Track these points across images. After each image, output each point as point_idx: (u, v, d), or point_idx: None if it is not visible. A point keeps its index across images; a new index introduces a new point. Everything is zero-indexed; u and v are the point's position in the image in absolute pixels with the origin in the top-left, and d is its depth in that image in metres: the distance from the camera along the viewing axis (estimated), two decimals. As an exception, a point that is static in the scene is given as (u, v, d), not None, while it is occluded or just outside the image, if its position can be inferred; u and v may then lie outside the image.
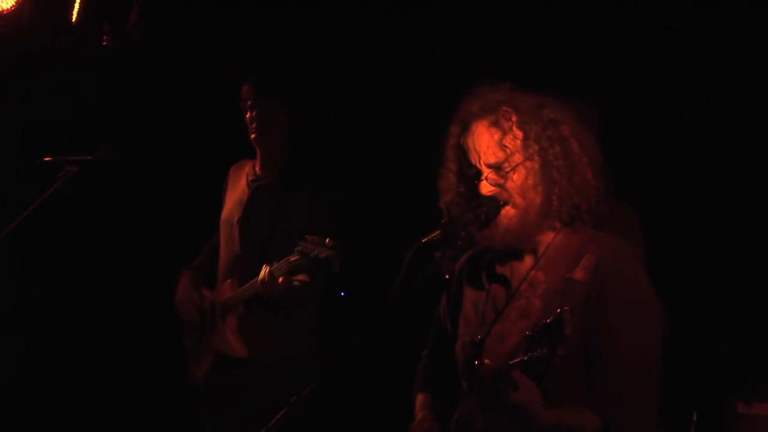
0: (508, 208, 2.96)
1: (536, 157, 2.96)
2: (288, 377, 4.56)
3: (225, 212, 5.10)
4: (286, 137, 4.94)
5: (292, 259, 4.46)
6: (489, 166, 2.98)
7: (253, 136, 4.97)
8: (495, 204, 2.94)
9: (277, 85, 4.98)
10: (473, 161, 3.00)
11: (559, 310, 2.64)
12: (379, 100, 5.37)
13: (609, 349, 2.81)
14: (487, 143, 2.97)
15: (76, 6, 4.85)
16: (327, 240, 4.35)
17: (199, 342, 5.02)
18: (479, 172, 2.98)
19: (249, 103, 4.95)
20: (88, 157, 4.29)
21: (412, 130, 4.89)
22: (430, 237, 2.86)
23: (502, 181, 2.96)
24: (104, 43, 5.07)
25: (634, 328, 2.83)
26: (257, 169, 5.07)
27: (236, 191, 5.11)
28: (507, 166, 2.95)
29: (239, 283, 4.82)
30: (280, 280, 4.49)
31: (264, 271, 4.55)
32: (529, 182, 2.94)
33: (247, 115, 4.98)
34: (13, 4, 4.73)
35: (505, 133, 2.96)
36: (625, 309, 2.85)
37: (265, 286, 4.59)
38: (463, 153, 3.03)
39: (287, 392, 3.01)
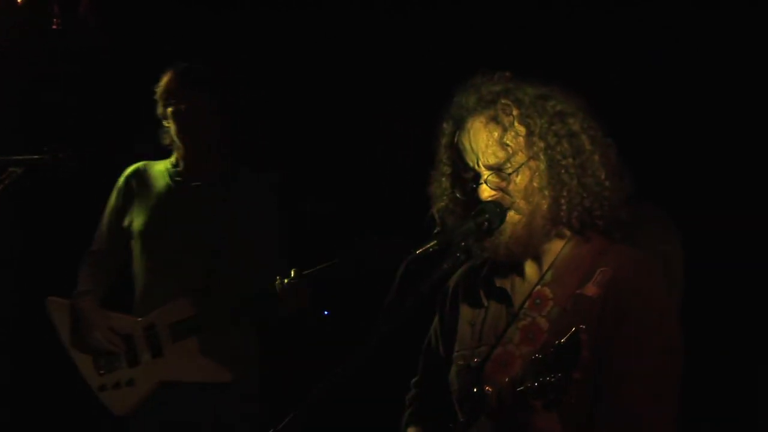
0: (511, 214, 2.76)
1: (542, 156, 2.75)
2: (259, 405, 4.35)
3: (139, 221, 4.76)
4: (218, 133, 4.71)
5: (339, 266, 4.30)
6: (488, 167, 2.77)
7: (179, 132, 4.69)
8: (498, 210, 2.75)
9: (209, 77, 4.73)
10: (470, 163, 2.79)
11: (574, 329, 2.47)
12: (357, 96, 5.27)
13: (623, 374, 2.66)
14: (485, 142, 2.77)
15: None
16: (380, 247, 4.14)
17: (118, 372, 4.69)
18: (477, 175, 2.77)
19: (175, 95, 4.67)
20: (35, 157, 4.13)
21: (399, 129, 4.82)
22: (424, 248, 2.66)
23: (503, 184, 2.76)
24: (54, 27, 4.93)
25: (652, 353, 2.67)
26: (180, 168, 4.76)
27: (151, 196, 4.78)
28: (509, 167, 2.75)
29: (193, 299, 4.56)
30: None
31: (284, 279, 4.32)
32: (534, 184, 2.75)
33: (170, 110, 4.68)
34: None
35: (505, 130, 2.76)
36: (643, 332, 2.68)
37: (291, 296, 4.33)
38: (458, 153, 2.82)
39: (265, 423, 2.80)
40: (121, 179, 4.89)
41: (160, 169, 4.79)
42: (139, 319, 4.67)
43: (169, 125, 4.69)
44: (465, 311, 2.97)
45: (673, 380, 2.67)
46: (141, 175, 4.79)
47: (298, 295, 4.34)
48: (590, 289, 2.75)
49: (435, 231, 2.82)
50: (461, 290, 3.02)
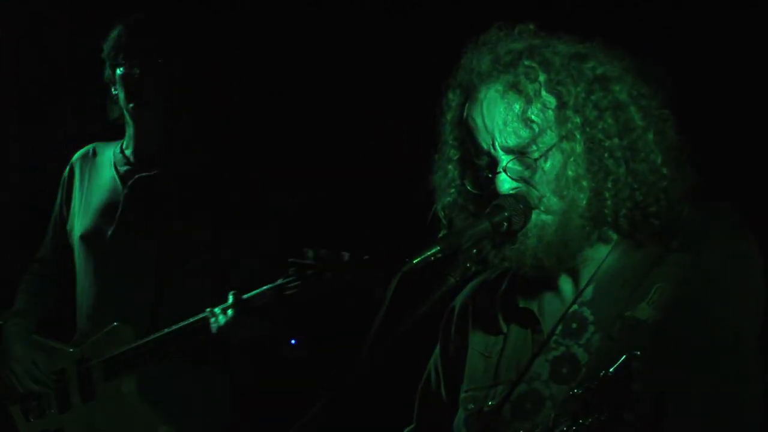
0: (539, 213, 2.52)
1: (578, 136, 2.50)
2: None
3: (80, 223, 4.12)
4: (179, 108, 4.01)
5: (286, 284, 3.72)
6: (508, 150, 2.51)
7: (129, 103, 3.98)
8: (521, 207, 2.50)
9: (171, 32, 4.02)
10: (484, 145, 2.53)
11: (625, 356, 2.23)
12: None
13: (690, 412, 2.41)
14: (503, 117, 2.52)
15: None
16: (347, 255, 3.66)
17: (47, 419, 4.05)
18: (494, 161, 2.52)
19: (127, 54, 3.96)
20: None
21: (390, 113, 4.52)
22: (424, 256, 2.40)
23: (528, 173, 2.52)
24: None
25: (725, 386, 2.45)
26: (128, 154, 4.09)
27: (97, 191, 4.12)
28: (535, 151, 2.50)
29: (135, 327, 3.91)
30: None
31: (230, 301, 3.74)
32: (569, 173, 2.50)
33: (119, 72, 3.98)
34: None
35: (529, 101, 2.51)
36: (713, 362, 2.44)
37: (231, 325, 3.74)
38: (467, 133, 2.57)
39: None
40: (67, 169, 4.25)
41: (109, 154, 4.17)
42: (71, 350, 4.09)
43: (118, 93, 4.03)
44: (477, 339, 2.76)
45: (753, 415, 2.50)
46: (87, 163, 4.21)
47: (236, 326, 3.78)
48: (643, 311, 2.52)
49: (439, 234, 2.61)
50: (472, 312, 2.80)
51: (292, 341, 4.46)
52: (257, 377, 4.39)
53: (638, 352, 2.24)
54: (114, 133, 4.21)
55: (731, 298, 2.52)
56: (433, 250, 2.41)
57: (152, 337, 3.88)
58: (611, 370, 2.24)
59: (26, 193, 4.71)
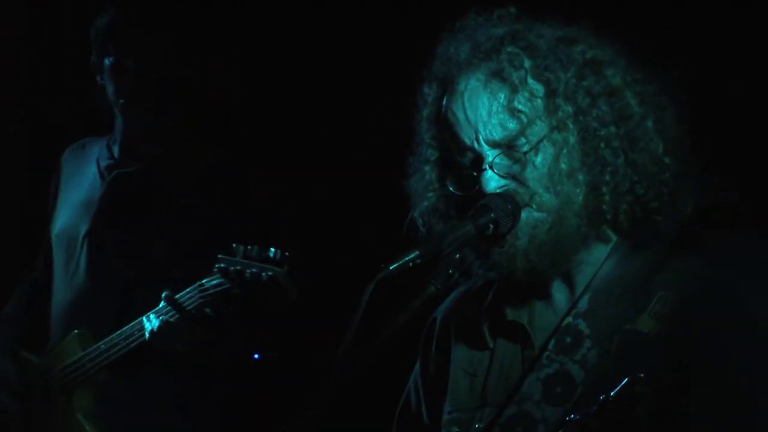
0: (530, 210, 2.40)
1: (570, 125, 2.40)
2: None
3: (59, 222, 3.96)
4: (173, 100, 3.81)
5: (210, 282, 3.51)
6: (493, 144, 2.40)
7: (121, 100, 3.80)
8: (509, 207, 2.39)
9: (169, 18, 3.83)
10: (466, 140, 2.42)
11: (627, 379, 2.15)
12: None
13: None
14: (487, 108, 2.41)
15: None
16: (272, 251, 3.42)
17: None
18: (478, 157, 2.41)
19: (118, 43, 3.78)
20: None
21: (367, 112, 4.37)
22: (402, 262, 2.28)
23: (517, 167, 2.41)
24: None
25: (746, 412, 2.31)
26: (114, 148, 3.91)
27: (79, 187, 3.96)
28: (524, 144, 2.39)
29: (95, 334, 3.74)
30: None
31: (162, 304, 3.57)
32: (563, 166, 2.39)
33: (108, 63, 3.79)
34: None
35: (515, 90, 2.40)
36: (729, 386, 2.30)
37: (164, 330, 3.56)
38: (447, 129, 2.46)
39: None
40: (57, 166, 4.14)
41: (95, 149, 4.00)
42: (39, 361, 3.94)
43: (106, 84, 3.84)
44: (461, 355, 2.63)
45: None
46: (74, 158, 4.02)
47: (168, 332, 3.60)
48: (645, 323, 2.40)
49: (418, 237, 2.51)
50: (455, 325, 2.67)
51: (255, 356, 4.35)
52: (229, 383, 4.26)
53: (642, 374, 2.15)
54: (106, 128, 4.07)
55: (746, 305, 2.38)
56: (412, 256, 2.28)
57: (95, 346, 3.74)
58: (612, 393, 2.15)
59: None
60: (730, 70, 3.84)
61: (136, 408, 3.81)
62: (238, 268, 3.46)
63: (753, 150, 3.80)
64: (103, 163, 3.88)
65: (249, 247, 3.45)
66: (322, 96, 4.77)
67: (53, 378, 3.82)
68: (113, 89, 3.73)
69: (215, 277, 3.52)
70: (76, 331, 3.80)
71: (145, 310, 3.71)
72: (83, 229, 3.84)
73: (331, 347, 2.27)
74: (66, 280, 3.86)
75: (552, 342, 2.46)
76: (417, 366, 2.72)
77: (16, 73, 5.00)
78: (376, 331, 2.25)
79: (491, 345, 2.56)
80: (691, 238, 2.44)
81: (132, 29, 3.74)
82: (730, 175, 2.51)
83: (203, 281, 3.52)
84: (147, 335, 3.59)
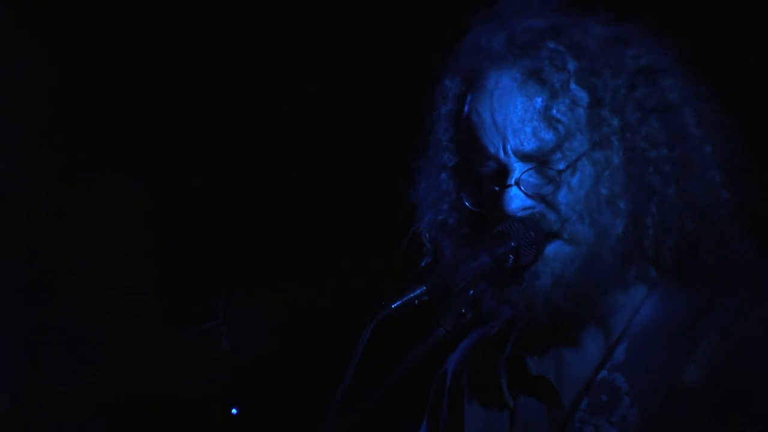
0: (559, 243, 2.18)
1: (615, 142, 2.16)
2: None
3: None
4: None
5: None
6: (524, 157, 2.17)
7: None
8: (532, 236, 2.16)
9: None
10: (491, 147, 2.19)
11: None
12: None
13: None
14: (520, 114, 2.18)
15: None
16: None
17: None
18: (503, 170, 2.18)
19: None
20: None
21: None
22: (406, 299, 2.03)
23: (549, 189, 2.18)
24: None
25: None
26: None
27: None
28: (560, 159, 2.16)
29: None
30: None
31: None
32: (603, 191, 2.16)
33: None
34: None
35: (555, 95, 2.16)
36: None
37: None
38: (469, 132, 2.23)
39: None
40: None
41: None
42: None
43: None
44: (476, 415, 2.41)
45: None
46: None
47: None
48: (692, 373, 2.18)
49: (423, 268, 2.32)
50: (468, 378, 2.46)
51: (233, 410, 4.32)
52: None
53: None
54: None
55: None
56: (418, 292, 2.03)
57: None
58: None
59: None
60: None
61: None
62: None
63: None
64: None
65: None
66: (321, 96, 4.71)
67: None
68: None
69: None
70: None
71: None
72: None
73: (322, 400, 2.04)
74: None
75: (585, 400, 2.22)
76: (423, 427, 2.53)
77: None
78: (374, 381, 1.99)
79: (511, 403, 2.34)
80: (744, 274, 2.23)
81: None
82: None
83: None
84: None
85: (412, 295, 2.02)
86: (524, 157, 2.14)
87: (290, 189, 4.75)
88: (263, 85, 4.86)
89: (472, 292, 2.07)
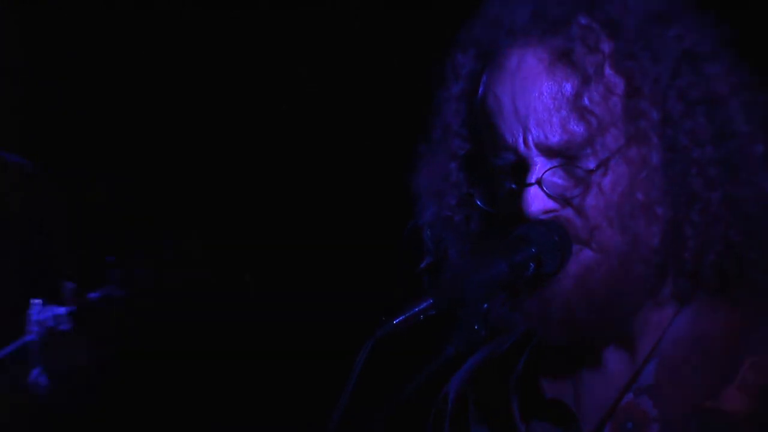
0: (586, 252, 1.94)
1: (654, 139, 1.92)
2: None
3: None
4: None
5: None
6: (548, 152, 1.93)
7: None
8: (556, 241, 1.93)
9: None
10: (508, 137, 1.94)
11: None
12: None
13: None
14: (545, 100, 1.93)
15: None
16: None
17: None
18: (523, 165, 1.94)
19: None
20: None
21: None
22: (410, 313, 1.82)
23: (576, 190, 1.94)
24: None
25: None
26: None
27: None
28: (589, 156, 1.92)
29: None
30: None
31: None
32: (637, 195, 1.92)
33: None
34: None
35: (588, 81, 1.91)
36: None
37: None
38: (484, 118, 1.98)
39: None
40: None
41: None
42: None
43: None
44: None
45: None
46: None
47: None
48: (732, 398, 2.02)
49: (428, 277, 2.13)
50: (474, 402, 2.26)
51: None
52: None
53: None
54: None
55: None
56: (424, 305, 1.82)
57: None
58: None
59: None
60: None
61: None
62: None
63: None
64: None
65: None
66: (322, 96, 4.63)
67: None
68: None
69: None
70: None
71: None
72: None
73: (317, 425, 1.87)
74: None
75: (607, 427, 2.04)
76: None
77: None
78: (373, 403, 1.79)
79: (522, 430, 2.13)
80: None
81: None
82: None
83: None
84: None
85: (416, 309, 1.82)
86: (548, 152, 1.93)
87: (290, 189, 4.60)
88: (263, 85, 4.73)
89: (486, 305, 1.87)
